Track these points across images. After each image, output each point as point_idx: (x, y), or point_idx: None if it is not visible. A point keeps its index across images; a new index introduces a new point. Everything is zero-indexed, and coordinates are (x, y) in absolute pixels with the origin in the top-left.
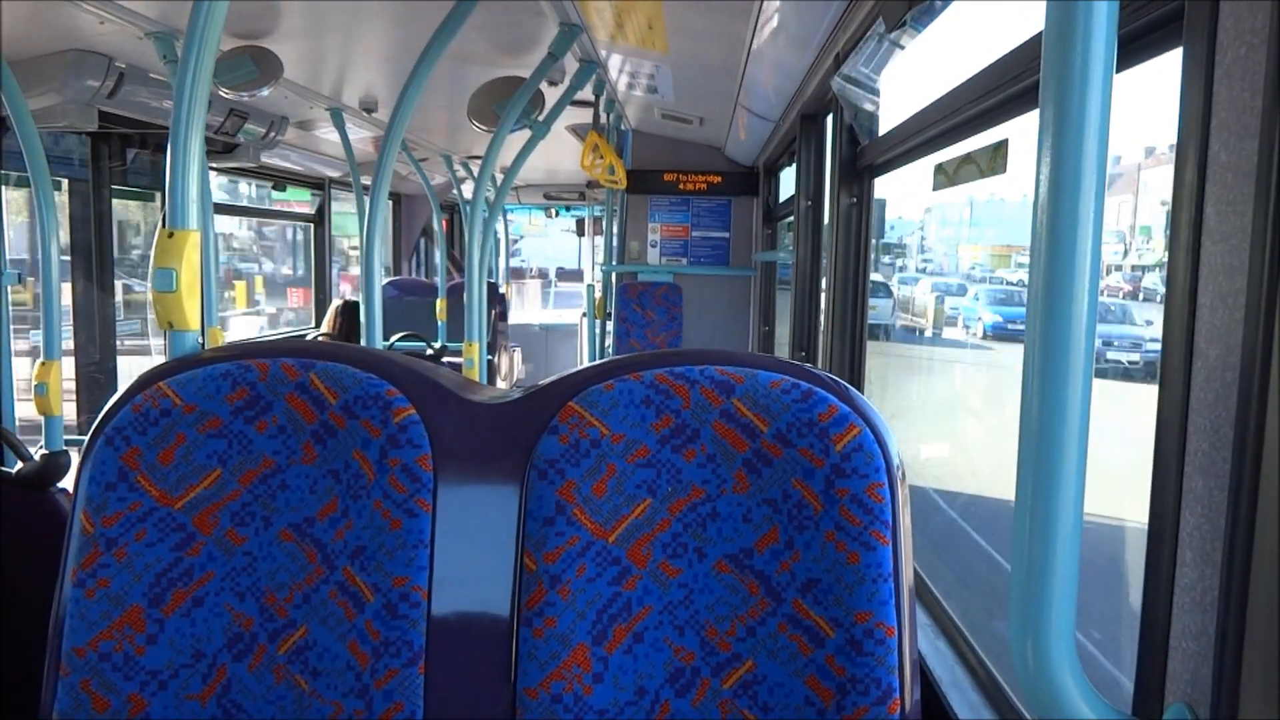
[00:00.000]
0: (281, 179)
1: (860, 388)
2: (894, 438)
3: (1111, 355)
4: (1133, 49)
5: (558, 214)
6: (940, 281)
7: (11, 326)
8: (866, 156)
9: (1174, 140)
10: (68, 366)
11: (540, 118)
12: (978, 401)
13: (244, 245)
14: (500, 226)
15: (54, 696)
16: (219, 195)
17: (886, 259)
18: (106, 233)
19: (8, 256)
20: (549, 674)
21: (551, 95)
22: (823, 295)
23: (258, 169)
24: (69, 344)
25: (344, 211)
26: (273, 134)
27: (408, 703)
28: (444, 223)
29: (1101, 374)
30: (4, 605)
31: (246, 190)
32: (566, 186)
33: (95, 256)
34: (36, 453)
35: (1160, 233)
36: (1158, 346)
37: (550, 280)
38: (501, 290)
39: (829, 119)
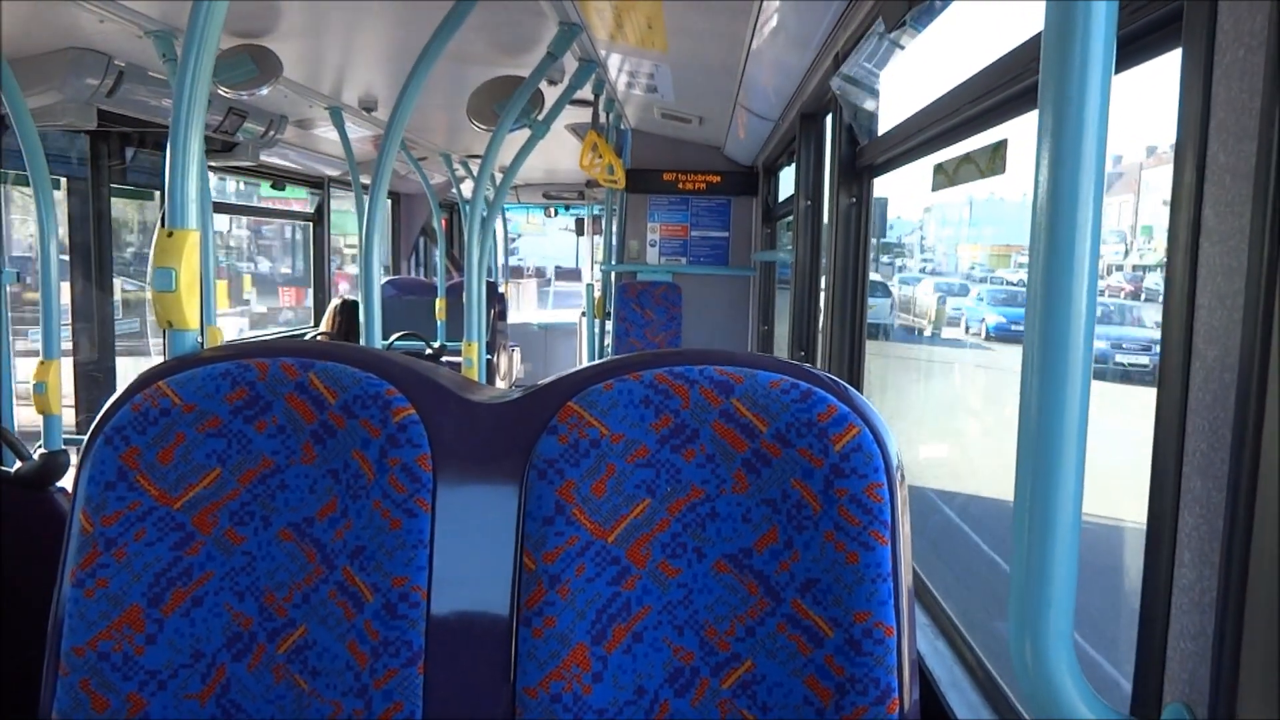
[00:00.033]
0: (281, 178)
1: (859, 387)
2: (893, 438)
3: (1121, 359)
4: (1132, 50)
5: (557, 213)
6: (942, 282)
7: (11, 327)
8: (866, 156)
9: (1175, 140)
10: (66, 366)
11: (540, 117)
12: (987, 409)
13: (232, 243)
14: (499, 226)
15: (53, 696)
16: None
17: (885, 259)
18: (106, 232)
19: (6, 255)
20: (548, 674)
21: (551, 94)
22: (822, 295)
23: (257, 168)
24: (68, 344)
25: (340, 210)
26: (272, 133)
27: (407, 702)
28: (443, 222)
29: (1112, 377)
30: (3, 605)
31: (234, 188)
32: (566, 186)
33: (94, 256)
34: (35, 452)
35: (1161, 233)
36: None
37: (548, 279)
38: (501, 290)
39: (828, 119)
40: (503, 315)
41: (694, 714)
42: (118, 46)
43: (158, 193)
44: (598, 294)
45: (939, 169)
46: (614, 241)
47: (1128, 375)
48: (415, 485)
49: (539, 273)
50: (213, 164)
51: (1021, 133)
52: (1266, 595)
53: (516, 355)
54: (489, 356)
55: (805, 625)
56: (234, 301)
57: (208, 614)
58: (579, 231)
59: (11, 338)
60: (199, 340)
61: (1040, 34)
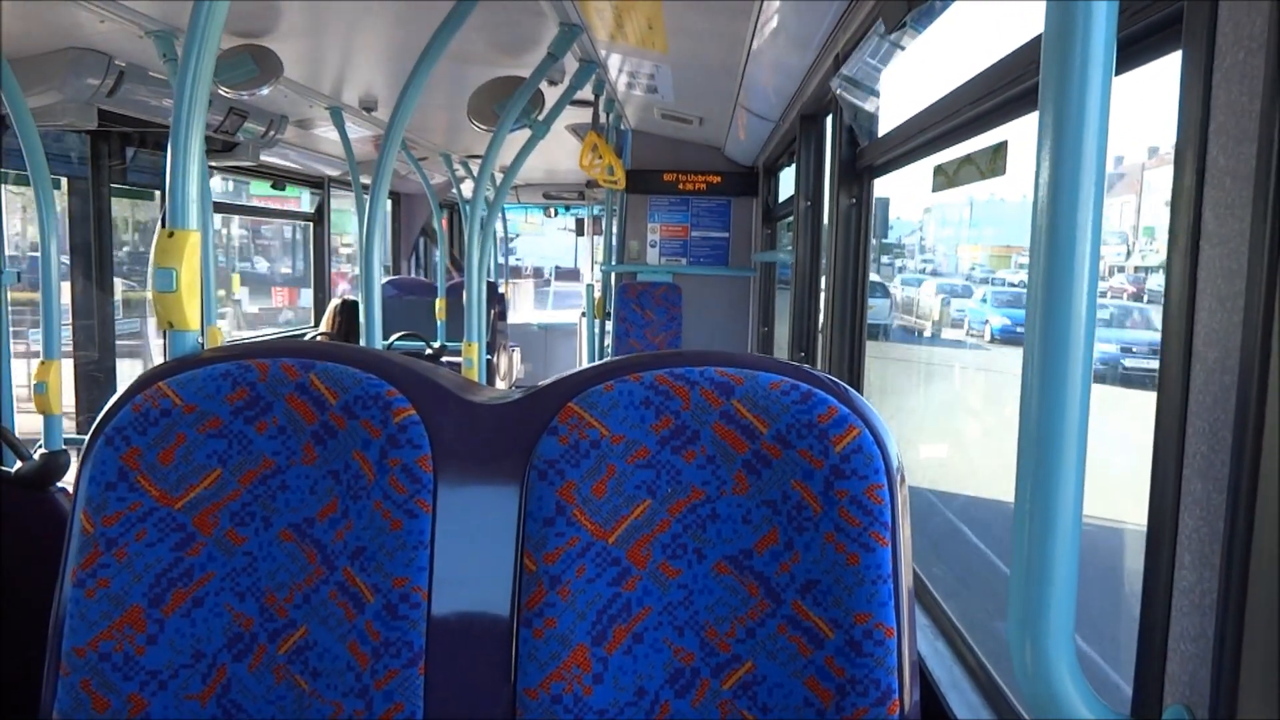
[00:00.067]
0: (281, 178)
1: (859, 389)
2: (893, 439)
3: (1129, 363)
4: (1132, 52)
5: (557, 213)
6: (945, 283)
7: (11, 327)
8: (866, 157)
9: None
10: (67, 366)
11: (540, 117)
12: (988, 410)
13: (219, 243)
14: (499, 226)
15: (54, 696)
16: None
17: (885, 259)
18: (106, 231)
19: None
20: (549, 674)
21: (551, 95)
22: (822, 296)
23: (257, 168)
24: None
25: (336, 209)
26: (272, 133)
27: (408, 703)
28: (443, 222)
29: (1128, 383)
30: (3, 605)
31: (221, 186)
32: (566, 186)
33: (95, 255)
34: (36, 452)
35: (1163, 233)
36: None
37: (546, 279)
38: (501, 290)
39: (829, 119)
40: (503, 315)
41: (694, 715)
42: (118, 46)
43: (157, 193)
44: (598, 294)
45: (939, 170)
46: (614, 242)
47: (1143, 381)
48: (416, 486)
49: (537, 273)
50: (213, 164)
51: (1022, 134)
52: (1267, 597)
53: (516, 355)
54: (489, 357)
55: (806, 626)
56: (223, 302)
57: (208, 614)
58: (579, 231)
59: (11, 339)
60: (199, 341)
61: (1040, 36)
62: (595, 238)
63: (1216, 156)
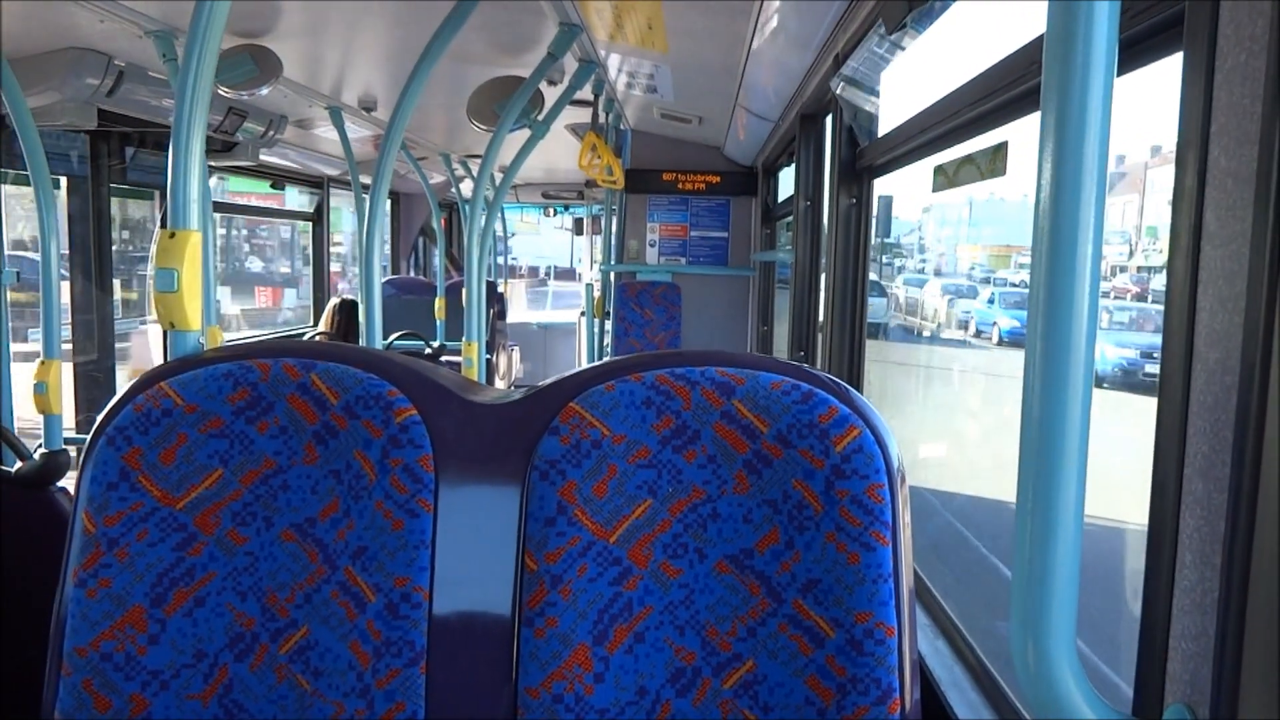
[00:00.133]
0: (281, 177)
1: (859, 388)
2: (894, 439)
3: (1152, 369)
4: (1134, 52)
5: (556, 213)
6: (949, 283)
7: (10, 326)
8: (866, 157)
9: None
10: (66, 367)
11: (539, 117)
12: (986, 411)
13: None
14: (499, 225)
15: (55, 696)
16: None
17: (885, 259)
18: (106, 231)
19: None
20: (550, 674)
21: (551, 95)
22: (821, 296)
23: (257, 168)
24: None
25: (333, 208)
26: (272, 132)
27: (409, 703)
28: (443, 222)
29: (1145, 389)
30: (3, 604)
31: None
32: (565, 185)
33: (94, 255)
34: (36, 452)
35: (1166, 233)
36: None
37: (542, 279)
38: (500, 289)
39: (828, 119)
40: (502, 315)
41: (695, 714)
42: (118, 46)
43: (157, 192)
44: (597, 294)
45: (939, 170)
46: (613, 241)
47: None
48: (417, 486)
49: (532, 272)
50: (213, 164)
51: (1022, 135)
52: (1267, 596)
53: (516, 355)
54: (488, 356)
55: (806, 625)
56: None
57: (210, 614)
58: (577, 231)
59: (11, 339)
60: (200, 341)
61: (1042, 36)
62: (594, 237)
63: (1218, 158)
